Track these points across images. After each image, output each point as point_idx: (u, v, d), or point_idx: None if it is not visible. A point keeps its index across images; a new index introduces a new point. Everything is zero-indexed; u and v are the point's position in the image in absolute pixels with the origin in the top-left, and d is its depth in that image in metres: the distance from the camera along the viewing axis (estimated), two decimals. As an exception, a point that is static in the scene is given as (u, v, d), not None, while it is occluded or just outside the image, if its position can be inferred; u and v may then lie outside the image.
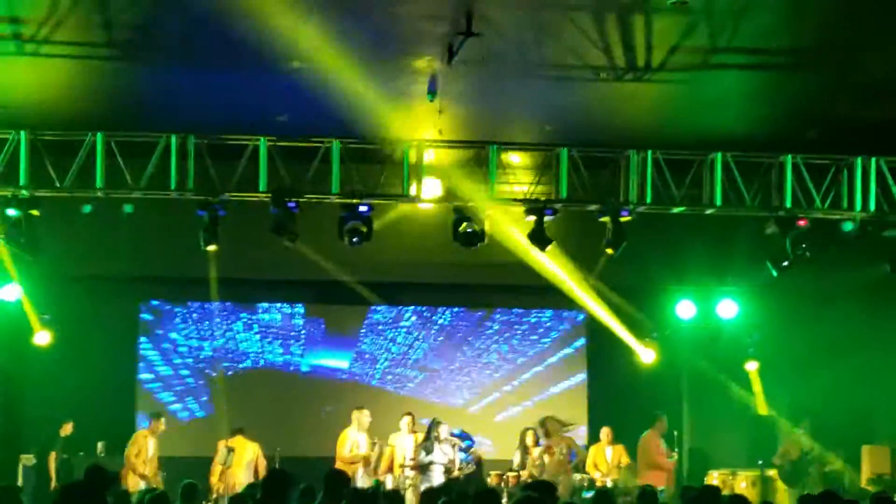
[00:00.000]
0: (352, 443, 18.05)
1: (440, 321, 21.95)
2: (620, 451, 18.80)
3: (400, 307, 21.80)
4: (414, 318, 21.91)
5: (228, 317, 21.45)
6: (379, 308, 21.68)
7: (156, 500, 10.88)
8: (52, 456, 18.58)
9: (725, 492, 16.72)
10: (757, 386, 20.65)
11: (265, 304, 21.52)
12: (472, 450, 18.61)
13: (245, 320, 21.51)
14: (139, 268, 19.01)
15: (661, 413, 18.87)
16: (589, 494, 16.50)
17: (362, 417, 18.26)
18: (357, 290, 20.18)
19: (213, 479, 17.80)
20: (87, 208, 15.20)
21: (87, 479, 10.58)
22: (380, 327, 21.84)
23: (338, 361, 21.71)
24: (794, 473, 18.89)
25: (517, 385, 22.02)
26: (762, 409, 20.58)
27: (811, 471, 18.97)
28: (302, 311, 21.69)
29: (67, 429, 18.77)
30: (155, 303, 21.24)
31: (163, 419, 18.25)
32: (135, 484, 16.93)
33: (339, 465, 16.99)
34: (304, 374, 21.63)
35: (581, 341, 22.07)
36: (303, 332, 21.66)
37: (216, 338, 21.37)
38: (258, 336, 21.52)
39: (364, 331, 21.82)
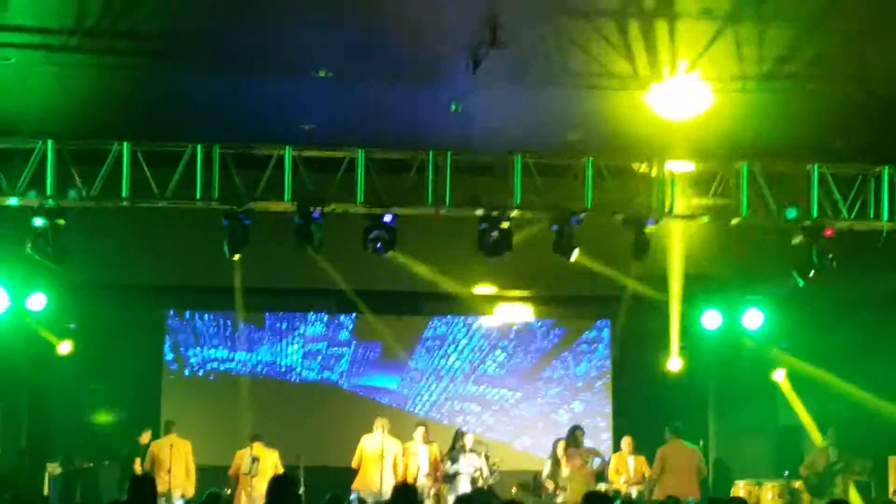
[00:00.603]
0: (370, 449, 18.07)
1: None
2: (642, 461, 18.77)
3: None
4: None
5: (252, 327, 21.49)
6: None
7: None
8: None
9: (751, 502, 16.67)
10: (787, 395, 20.59)
11: (289, 314, 21.56)
12: (494, 462, 18.59)
13: (273, 330, 21.57)
14: (164, 277, 19.06)
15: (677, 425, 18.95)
16: (616, 504, 16.46)
17: (383, 423, 18.32)
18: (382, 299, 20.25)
19: (237, 490, 17.82)
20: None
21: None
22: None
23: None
24: (820, 485, 18.79)
25: (543, 395, 21.97)
26: (797, 418, 20.53)
27: (837, 482, 18.86)
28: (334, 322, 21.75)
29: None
30: (180, 311, 21.28)
31: (173, 428, 18.33)
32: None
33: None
34: (340, 389, 21.68)
35: (606, 350, 22.01)
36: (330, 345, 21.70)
37: (241, 348, 21.41)
38: (288, 347, 21.56)
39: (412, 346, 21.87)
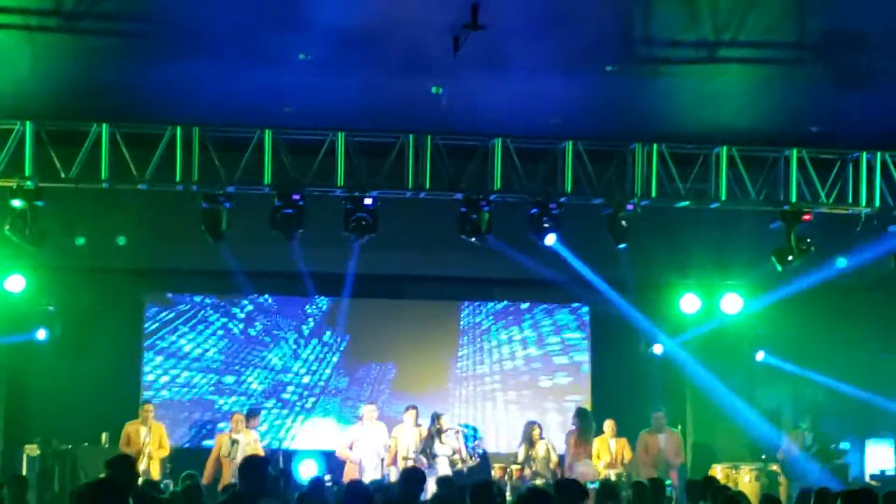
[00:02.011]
0: (352, 439, 18.12)
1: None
2: (623, 444, 18.87)
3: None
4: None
5: (232, 310, 21.48)
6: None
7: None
8: (104, 437, 18.68)
9: (729, 486, 16.74)
10: (764, 380, 20.70)
11: (273, 296, 21.55)
12: (478, 442, 18.65)
13: (253, 312, 21.55)
14: (144, 259, 19.02)
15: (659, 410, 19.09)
16: (593, 486, 16.49)
17: (369, 410, 18.36)
18: (366, 284, 20.27)
19: (209, 472, 17.86)
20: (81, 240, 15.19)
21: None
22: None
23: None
24: (795, 468, 18.89)
25: (521, 379, 22.00)
26: (774, 402, 20.64)
27: (812, 466, 18.98)
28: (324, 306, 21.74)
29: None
30: (160, 294, 21.24)
31: (150, 405, 18.36)
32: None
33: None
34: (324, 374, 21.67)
35: (585, 335, 22.04)
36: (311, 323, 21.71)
37: (220, 331, 21.39)
38: (267, 329, 21.55)
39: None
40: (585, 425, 18.00)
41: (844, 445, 19.84)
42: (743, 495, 11.73)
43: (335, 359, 21.54)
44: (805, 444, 19.21)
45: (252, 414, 18.85)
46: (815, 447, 19.17)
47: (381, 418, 19.02)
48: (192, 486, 12.50)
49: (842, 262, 13.52)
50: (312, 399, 21.34)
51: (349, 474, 17.78)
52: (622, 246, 15.73)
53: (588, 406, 21.22)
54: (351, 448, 18.26)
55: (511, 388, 21.89)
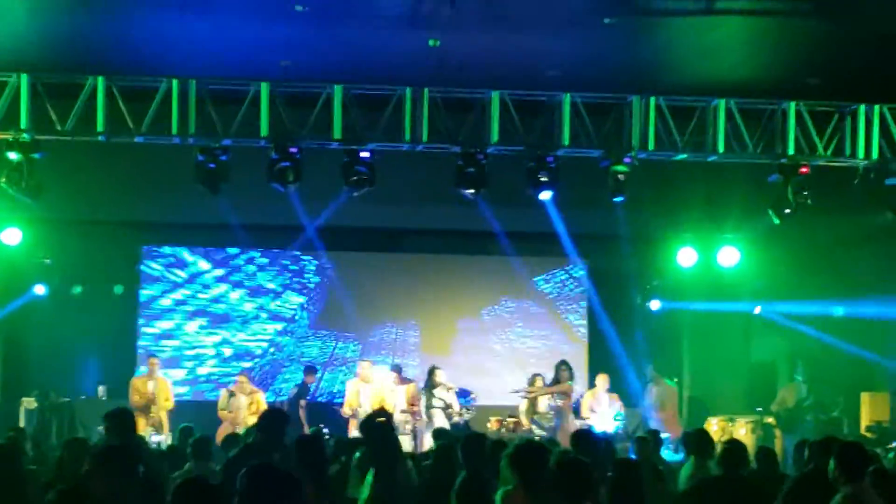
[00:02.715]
0: (351, 394, 18.17)
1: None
2: (615, 397, 18.93)
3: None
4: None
5: (229, 263, 21.50)
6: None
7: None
8: (303, 403, 18.82)
9: (724, 438, 16.81)
10: (760, 332, 20.78)
11: (268, 251, 21.57)
12: (473, 396, 18.72)
13: (246, 265, 21.57)
14: (141, 212, 19.01)
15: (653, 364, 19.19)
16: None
17: (359, 370, 18.41)
18: (360, 235, 20.30)
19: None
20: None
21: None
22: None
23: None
24: (790, 420, 18.96)
25: (517, 333, 22.06)
26: (770, 355, 20.73)
27: (808, 418, 19.05)
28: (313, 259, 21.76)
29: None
30: (157, 247, 21.25)
31: (156, 359, 18.40)
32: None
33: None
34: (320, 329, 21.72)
35: (582, 290, 22.09)
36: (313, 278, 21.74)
37: (217, 283, 21.43)
38: (265, 283, 21.58)
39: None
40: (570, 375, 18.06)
41: (840, 398, 19.92)
42: (740, 443, 11.83)
43: (333, 312, 21.60)
44: (800, 396, 19.27)
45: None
46: (810, 399, 19.24)
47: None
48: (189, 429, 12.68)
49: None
50: (307, 351, 21.47)
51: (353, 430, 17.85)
52: (619, 199, 15.69)
53: (585, 360, 21.35)
54: (346, 404, 18.27)
55: (508, 342, 21.97)
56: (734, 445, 10.36)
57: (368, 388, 18.08)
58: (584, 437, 11.01)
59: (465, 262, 21.96)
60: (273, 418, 10.29)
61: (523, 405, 18.21)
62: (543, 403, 17.90)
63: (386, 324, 21.78)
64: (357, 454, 9.89)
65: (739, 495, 9.69)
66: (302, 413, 18.43)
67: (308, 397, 18.98)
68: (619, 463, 9.28)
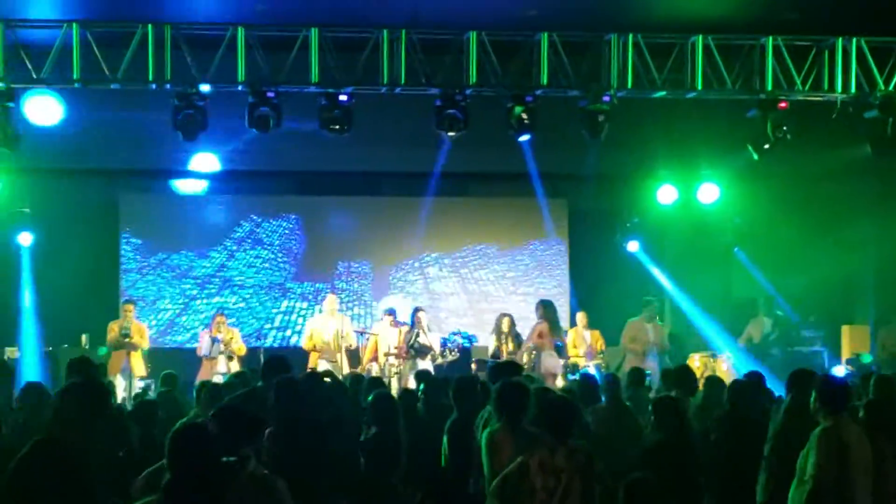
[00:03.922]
0: (311, 329, 18.16)
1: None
2: (597, 335, 19.04)
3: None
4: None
5: (208, 210, 21.48)
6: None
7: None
8: (84, 339, 18.84)
9: (707, 374, 16.94)
10: (741, 269, 20.86)
11: (245, 197, 21.54)
12: (457, 337, 18.77)
13: (226, 213, 21.55)
14: (119, 160, 18.93)
15: (650, 299, 19.21)
16: (575, 377, 16.66)
17: (324, 304, 18.38)
18: (339, 180, 20.26)
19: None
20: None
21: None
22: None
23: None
24: (757, 356, 19.03)
25: (499, 274, 22.11)
26: (751, 291, 20.81)
27: (774, 352, 19.17)
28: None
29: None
30: (136, 195, 21.20)
31: (131, 305, 18.44)
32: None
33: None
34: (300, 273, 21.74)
35: (563, 228, 22.12)
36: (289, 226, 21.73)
37: (196, 232, 21.41)
38: (242, 230, 21.56)
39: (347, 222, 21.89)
40: (551, 316, 18.01)
41: (807, 332, 20.06)
42: (719, 378, 12.07)
43: (312, 256, 21.61)
44: (765, 331, 19.38)
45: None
46: (775, 333, 19.37)
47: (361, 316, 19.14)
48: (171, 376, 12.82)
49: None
50: (290, 295, 21.49)
51: (311, 364, 17.92)
52: (599, 138, 15.68)
53: (567, 299, 21.44)
54: (310, 338, 18.30)
55: (487, 283, 22.02)
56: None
57: (332, 322, 18.09)
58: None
59: (444, 204, 21.94)
60: (276, 364, 10.52)
61: (491, 345, 18.27)
62: (512, 344, 17.96)
63: (365, 266, 21.79)
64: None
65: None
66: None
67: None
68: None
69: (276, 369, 10.35)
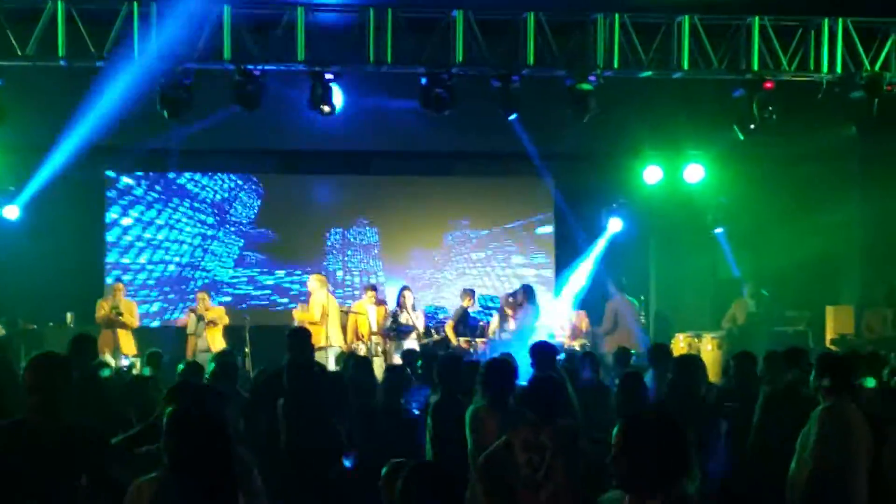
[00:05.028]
0: (301, 306, 18.18)
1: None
2: (582, 315, 19.06)
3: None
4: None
5: (195, 187, 21.45)
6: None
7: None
8: (70, 317, 18.90)
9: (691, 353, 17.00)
10: (726, 249, 20.89)
11: (233, 174, 21.52)
12: (444, 317, 18.80)
13: (214, 190, 21.53)
14: (106, 137, 18.84)
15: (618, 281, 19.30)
16: (559, 357, 16.69)
17: (310, 282, 18.38)
18: (323, 159, 20.25)
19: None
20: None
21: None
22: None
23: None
24: (742, 336, 19.09)
25: (485, 253, 22.14)
26: (736, 271, 20.85)
27: (759, 332, 19.23)
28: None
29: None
30: (122, 172, 21.17)
31: (121, 284, 18.45)
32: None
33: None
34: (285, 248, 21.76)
35: (549, 207, 22.15)
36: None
37: (183, 208, 21.38)
38: (229, 207, 21.55)
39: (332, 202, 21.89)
40: (532, 300, 18.02)
41: (791, 312, 20.10)
42: (697, 356, 12.13)
43: (297, 234, 21.64)
44: (749, 311, 19.43)
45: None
46: (758, 315, 19.43)
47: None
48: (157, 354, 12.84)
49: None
50: (275, 272, 21.52)
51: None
52: (584, 118, 15.68)
53: (552, 278, 21.49)
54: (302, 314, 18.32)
55: (476, 262, 22.05)
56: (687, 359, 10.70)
57: (319, 299, 18.12)
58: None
59: (431, 183, 21.95)
60: (300, 334, 10.75)
61: (493, 323, 18.29)
62: (512, 322, 17.97)
63: (352, 245, 21.80)
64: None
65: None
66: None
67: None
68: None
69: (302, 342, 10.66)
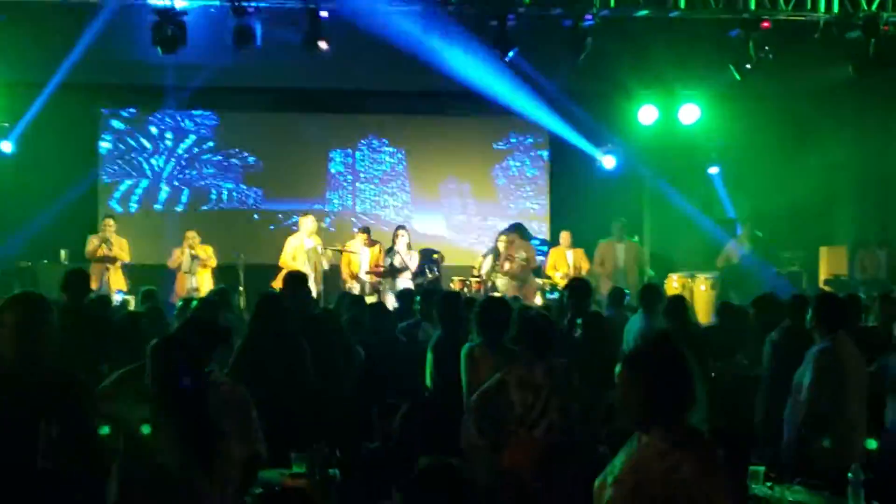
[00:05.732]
0: (293, 248, 18.12)
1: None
2: (580, 254, 19.04)
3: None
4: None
5: (192, 123, 21.39)
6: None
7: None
8: (63, 254, 18.88)
9: (685, 294, 17.04)
10: (721, 189, 20.89)
11: (224, 113, 21.45)
12: (436, 257, 18.77)
13: (208, 127, 21.47)
14: (100, 74, 18.77)
15: (621, 219, 19.22)
16: (554, 296, 16.74)
17: (306, 221, 18.31)
18: (320, 98, 20.20)
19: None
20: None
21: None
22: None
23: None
24: (736, 277, 19.11)
25: (479, 194, 22.13)
26: (731, 211, 20.86)
27: (751, 273, 19.26)
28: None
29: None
30: (116, 109, 21.10)
31: (110, 220, 18.42)
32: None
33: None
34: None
35: (543, 147, 22.12)
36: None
37: (176, 147, 21.34)
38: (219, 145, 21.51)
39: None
40: (523, 235, 18.02)
41: (786, 253, 20.12)
42: (683, 297, 12.20)
43: (290, 175, 21.61)
44: (742, 252, 19.44)
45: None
46: (753, 255, 19.44)
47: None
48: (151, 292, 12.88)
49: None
50: (267, 213, 21.52)
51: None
52: (581, 58, 15.61)
53: (547, 220, 21.48)
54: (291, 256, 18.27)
55: (469, 202, 22.05)
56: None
57: (310, 242, 18.07)
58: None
59: (426, 122, 21.91)
60: (296, 278, 10.72)
61: (487, 265, 18.30)
62: (506, 264, 18.00)
63: (345, 185, 21.78)
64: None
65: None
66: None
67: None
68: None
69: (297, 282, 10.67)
